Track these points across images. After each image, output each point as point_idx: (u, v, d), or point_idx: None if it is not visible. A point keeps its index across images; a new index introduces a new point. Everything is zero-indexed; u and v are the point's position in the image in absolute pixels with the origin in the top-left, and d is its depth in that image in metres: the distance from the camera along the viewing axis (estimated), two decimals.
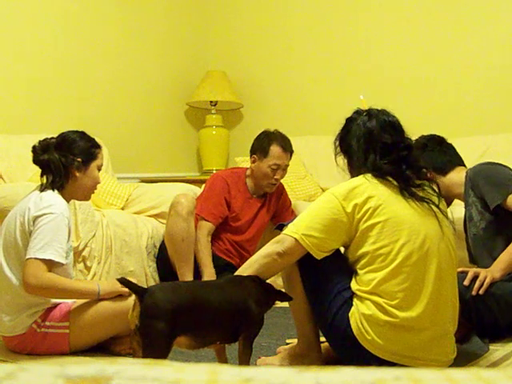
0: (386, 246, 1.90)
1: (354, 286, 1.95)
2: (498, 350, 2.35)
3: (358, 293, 1.93)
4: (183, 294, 1.89)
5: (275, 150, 3.46)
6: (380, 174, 1.99)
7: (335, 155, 2.16)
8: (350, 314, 1.93)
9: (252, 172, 3.54)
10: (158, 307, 1.80)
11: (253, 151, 3.55)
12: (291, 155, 3.53)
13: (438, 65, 4.45)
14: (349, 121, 2.15)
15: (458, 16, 4.39)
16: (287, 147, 3.49)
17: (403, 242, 1.90)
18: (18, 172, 3.49)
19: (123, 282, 1.89)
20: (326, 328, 2.03)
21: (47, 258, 2.25)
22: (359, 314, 1.90)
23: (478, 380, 0.55)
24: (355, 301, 1.93)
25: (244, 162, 4.50)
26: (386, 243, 1.90)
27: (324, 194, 2.04)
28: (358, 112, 2.16)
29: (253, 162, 3.52)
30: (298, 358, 2.15)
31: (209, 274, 3.26)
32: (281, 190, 3.67)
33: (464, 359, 2.20)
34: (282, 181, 3.67)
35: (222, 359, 2.05)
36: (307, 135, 4.65)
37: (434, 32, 4.47)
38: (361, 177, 2.00)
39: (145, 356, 1.79)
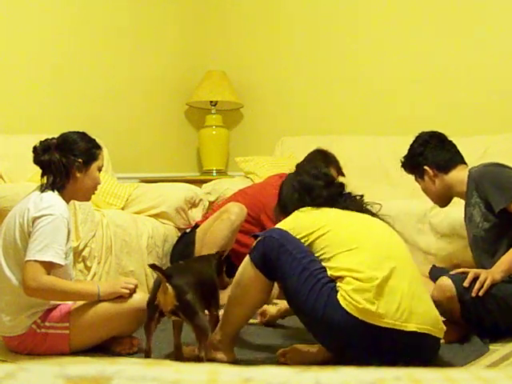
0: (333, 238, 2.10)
1: (329, 271, 2.05)
2: (497, 349, 2.35)
3: (334, 274, 2.02)
4: (193, 271, 2.30)
5: (334, 173, 3.49)
6: (319, 204, 2.24)
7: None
8: (338, 297, 1.98)
9: None
10: (188, 284, 2.15)
11: None
12: None
13: (438, 65, 4.45)
14: (282, 183, 2.45)
15: (457, 17, 4.39)
16: (340, 171, 3.50)
17: (353, 230, 2.13)
18: (17, 172, 3.48)
19: (154, 267, 2.21)
20: (319, 325, 2.06)
21: (47, 260, 2.24)
22: (346, 291, 1.97)
23: (477, 380, 0.55)
24: (339, 284, 2.00)
25: (244, 162, 4.50)
26: (337, 239, 2.10)
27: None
28: (290, 174, 2.50)
29: None
30: (215, 352, 2.22)
31: None
32: None
33: (464, 359, 2.20)
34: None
35: (179, 332, 2.28)
36: (307, 135, 4.65)
37: (434, 32, 4.47)
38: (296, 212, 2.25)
39: (197, 327, 2.13)
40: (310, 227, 2.13)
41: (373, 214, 2.26)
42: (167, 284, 2.11)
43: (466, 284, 2.42)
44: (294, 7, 5.01)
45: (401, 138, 3.89)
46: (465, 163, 2.83)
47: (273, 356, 2.25)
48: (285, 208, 2.34)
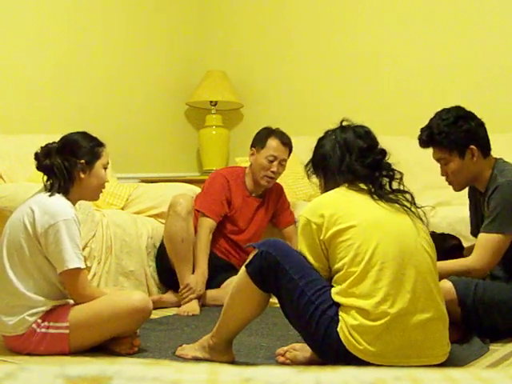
0: (360, 247, 1.94)
1: (335, 297, 1.97)
2: (497, 350, 2.35)
3: (341, 301, 1.94)
4: None
5: (273, 142, 3.52)
6: (354, 179, 2.07)
7: (308, 177, 2.28)
8: (338, 330, 1.94)
9: (250, 166, 3.57)
10: None
11: (252, 145, 3.59)
12: (290, 151, 3.55)
13: (439, 64, 4.45)
14: (321, 139, 2.30)
15: (458, 15, 4.39)
16: (285, 141, 3.54)
17: (375, 243, 1.94)
18: (18, 172, 3.48)
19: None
20: (318, 348, 2.05)
21: (82, 266, 2.34)
22: (347, 326, 1.92)
23: (477, 380, 0.55)
24: (341, 314, 1.94)
25: (244, 162, 4.50)
26: (358, 246, 1.94)
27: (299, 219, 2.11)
28: (328, 131, 2.30)
29: (251, 155, 3.56)
30: (212, 353, 2.22)
31: (200, 273, 3.26)
32: (280, 191, 3.69)
33: (464, 359, 2.20)
34: (281, 181, 3.67)
35: None
36: (307, 135, 4.62)
37: (435, 31, 4.46)
38: (330, 192, 2.09)
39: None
40: (345, 220, 1.98)
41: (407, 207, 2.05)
42: None
43: None
44: (294, 7, 5.01)
45: (402, 138, 3.89)
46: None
47: (272, 356, 2.26)
48: (323, 164, 2.19)
